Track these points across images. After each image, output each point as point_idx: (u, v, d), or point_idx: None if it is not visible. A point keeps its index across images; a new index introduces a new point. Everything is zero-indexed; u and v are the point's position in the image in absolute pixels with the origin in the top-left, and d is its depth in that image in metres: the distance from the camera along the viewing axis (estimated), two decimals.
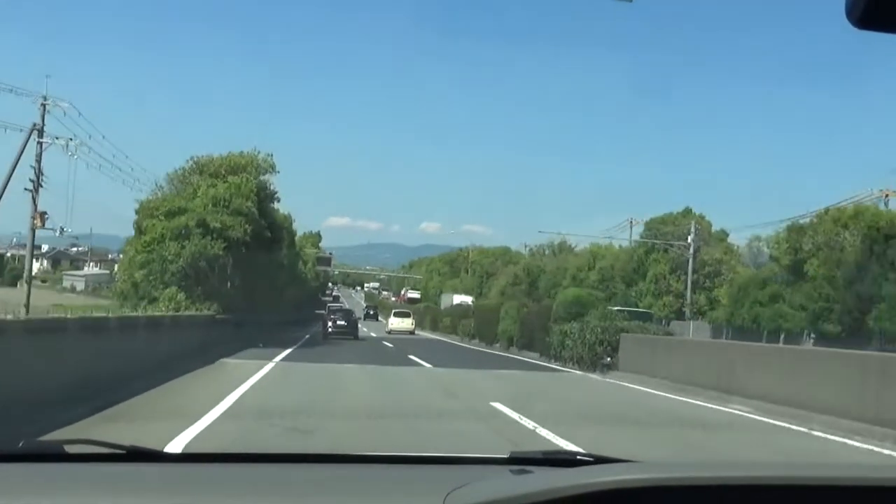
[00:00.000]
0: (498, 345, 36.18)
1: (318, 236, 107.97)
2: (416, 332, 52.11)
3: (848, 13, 1.47)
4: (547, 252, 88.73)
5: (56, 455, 2.16)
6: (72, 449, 2.18)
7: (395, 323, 51.66)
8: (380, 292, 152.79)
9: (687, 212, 54.56)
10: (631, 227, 65.44)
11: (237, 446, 7.93)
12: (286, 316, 51.81)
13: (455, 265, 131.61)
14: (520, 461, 2.24)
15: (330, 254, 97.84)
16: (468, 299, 61.52)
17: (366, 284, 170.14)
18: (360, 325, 45.75)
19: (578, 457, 2.35)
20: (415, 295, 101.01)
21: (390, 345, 35.73)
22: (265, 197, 34.09)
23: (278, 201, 36.69)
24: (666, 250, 51.90)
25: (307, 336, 42.22)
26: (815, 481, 1.62)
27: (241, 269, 31.00)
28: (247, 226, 29.48)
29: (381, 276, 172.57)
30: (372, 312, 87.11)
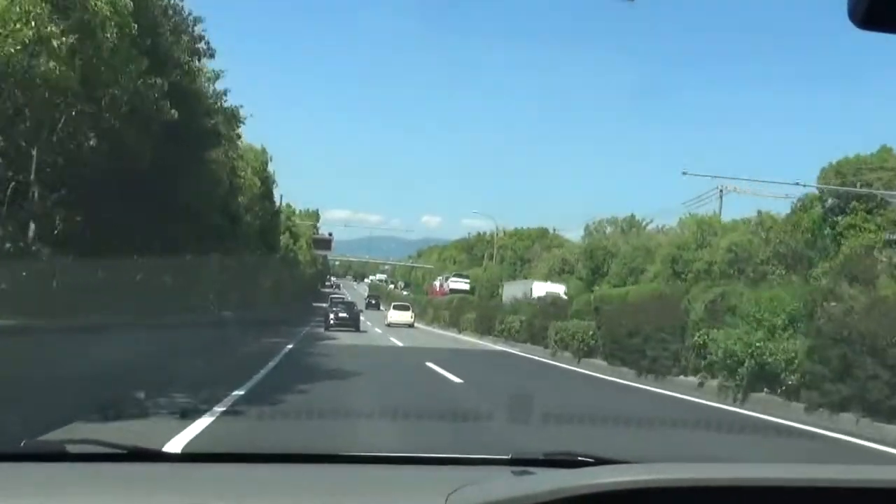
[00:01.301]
0: (692, 380, 16.67)
1: (317, 215, 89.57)
2: (456, 336, 42.52)
3: (851, 13, 1.45)
4: (609, 230, 69.36)
5: (58, 455, 2.13)
6: (73, 449, 2.14)
7: (395, 316, 49.16)
8: (387, 283, 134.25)
9: (885, 152, 34.86)
10: (721, 197, 45.63)
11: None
12: (262, 311, 33.10)
13: (475, 252, 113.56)
14: (521, 462, 2.22)
15: (330, 234, 78.66)
16: (559, 289, 41.59)
17: (370, 276, 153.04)
18: (361, 318, 42.00)
19: (580, 457, 2.29)
20: (462, 285, 76.46)
21: (455, 378, 16.38)
22: (177, 42, 14.53)
23: (217, 76, 16.93)
24: (870, 211, 32.31)
25: (288, 348, 23.02)
26: (817, 483, 1.61)
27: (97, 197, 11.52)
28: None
29: (386, 267, 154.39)
30: (374, 302, 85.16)
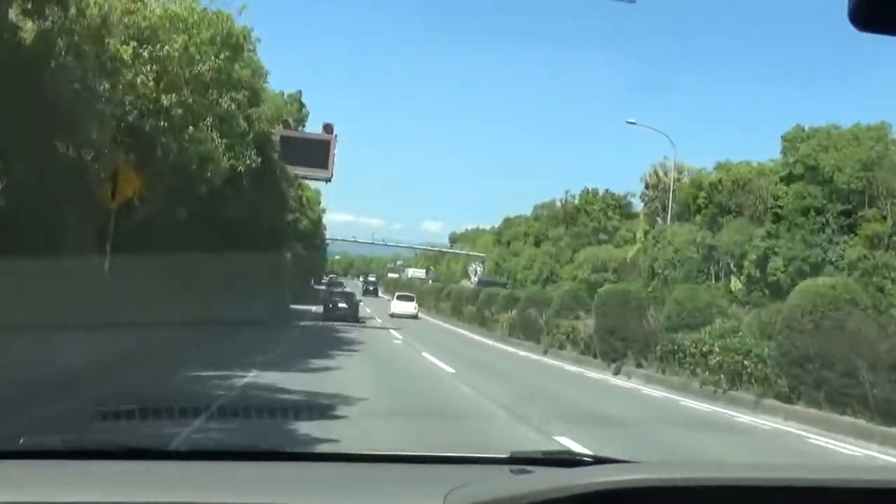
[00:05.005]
0: None
1: (299, 102, 41.00)
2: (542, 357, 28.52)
3: (851, 16, 1.42)
4: None
5: (56, 452, 2.10)
6: (72, 446, 2.12)
7: (398, 307, 45.99)
8: (428, 278, 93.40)
9: None
10: None
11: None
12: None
13: (577, 218, 67.09)
14: (520, 461, 2.18)
15: (329, 128, 29.79)
16: None
17: (410, 271, 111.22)
18: (362, 304, 43.89)
19: (578, 457, 2.29)
20: None
21: None
22: None
23: None
24: None
25: None
26: (814, 483, 1.60)
27: None
28: None
29: (399, 262, 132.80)
30: (372, 288, 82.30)
